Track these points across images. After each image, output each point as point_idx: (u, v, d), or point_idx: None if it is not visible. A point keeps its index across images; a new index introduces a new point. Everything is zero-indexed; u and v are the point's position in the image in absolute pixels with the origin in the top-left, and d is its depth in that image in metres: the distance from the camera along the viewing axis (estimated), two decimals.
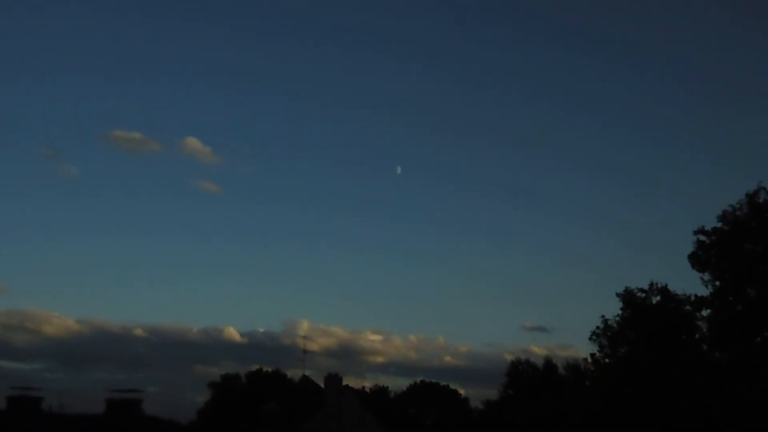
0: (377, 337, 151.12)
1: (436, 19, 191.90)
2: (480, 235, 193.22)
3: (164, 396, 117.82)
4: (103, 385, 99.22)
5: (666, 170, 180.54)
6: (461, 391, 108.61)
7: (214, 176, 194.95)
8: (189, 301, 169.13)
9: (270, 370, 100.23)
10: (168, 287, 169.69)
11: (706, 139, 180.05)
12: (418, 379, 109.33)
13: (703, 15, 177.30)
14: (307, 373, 75.59)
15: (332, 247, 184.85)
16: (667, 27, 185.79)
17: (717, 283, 47.00)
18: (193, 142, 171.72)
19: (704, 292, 48.20)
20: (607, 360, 54.65)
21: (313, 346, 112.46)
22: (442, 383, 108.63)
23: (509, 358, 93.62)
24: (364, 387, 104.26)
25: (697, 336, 50.69)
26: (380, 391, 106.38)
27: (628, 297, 53.52)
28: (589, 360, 56.75)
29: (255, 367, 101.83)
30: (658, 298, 52.79)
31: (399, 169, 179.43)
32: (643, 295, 53.17)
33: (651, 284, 53.15)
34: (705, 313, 49.18)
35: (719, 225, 46.94)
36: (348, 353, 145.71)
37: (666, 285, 52.83)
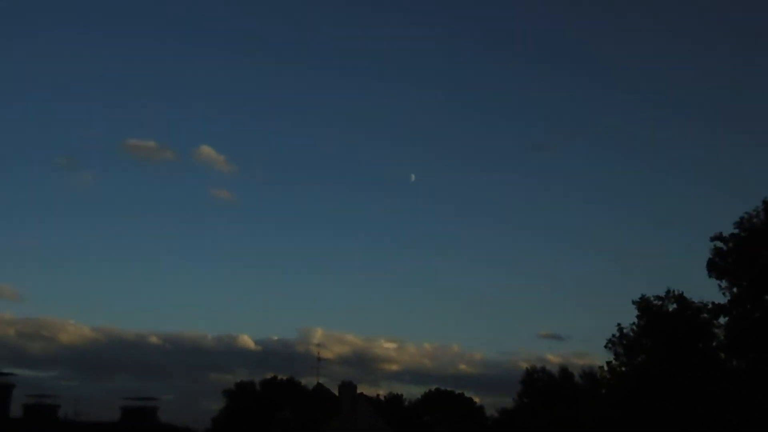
0: (391, 345, 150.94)
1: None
2: (494, 242, 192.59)
3: (179, 404, 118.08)
4: (119, 392, 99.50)
5: (682, 176, 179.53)
6: (476, 399, 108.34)
7: (228, 184, 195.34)
8: (203, 309, 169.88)
9: (284, 377, 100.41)
10: (183, 295, 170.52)
11: (723, 146, 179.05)
12: (433, 387, 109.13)
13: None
14: (321, 380, 75.53)
15: (345, 255, 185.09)
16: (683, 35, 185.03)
17: (734, 290, 46.63)
18: (207, 151, 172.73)
19: (722, 299, 47.91)
20: (623, 368, 54.23)
21: (327, 354, 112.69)
22: (457, 391, 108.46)
23: (524, 366, 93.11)
24: (378, 395, 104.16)
25: (714, 344, 50.25)
26: (394, 399, 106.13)
27: (644, 305, 53.13)
28: (605, 368, 56.37)
29: (269, 375, 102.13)
30: (675, 305, 52.39)
31: (413, 177, 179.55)
32: (660, 302, 52.80)
33: (668, 291, 52.80)
34: (722, 320, 48.83)
35: (736, 231, 46.60)
36: (362, 361, 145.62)
37: (682, 292, 52.49)
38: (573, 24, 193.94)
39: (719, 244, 47.12)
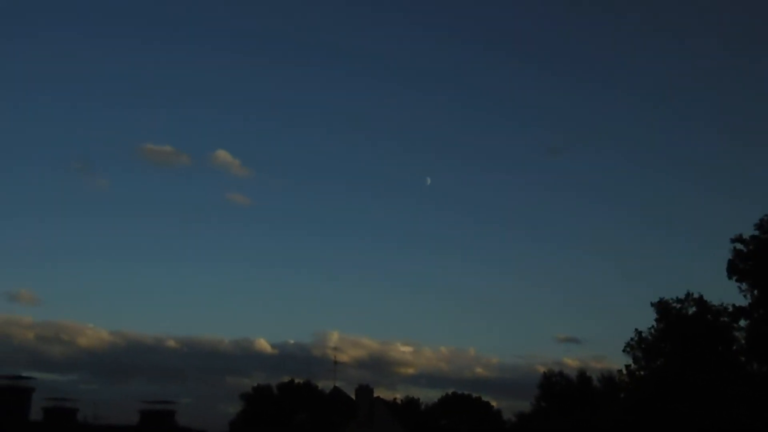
0: (408, 349, 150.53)
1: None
2: (510, 245, 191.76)
3: (197, 407, 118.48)
4: (137, 396, 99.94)
5: (701, 178, 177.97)
6: (493, 403, 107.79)
7: (243, 188, 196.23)
8: (220, 313, 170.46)
9: (301, 381, 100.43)
10: (200, 299, 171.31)
11: (743, 146, 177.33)
12: (450, 391, 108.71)
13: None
14: (338, 384, 75.41)
15: (360, 259, 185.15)
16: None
17: (755, 292, 46.10)
18: (222, 155, 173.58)
19: (742, 301, 47.35)
20: (642, 372, 53.72)
21: (343, 358, 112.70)
22: (474, 395, 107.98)
23: (541, 369, 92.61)
24: (395, 399, 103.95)
25: (734, 347, 49.65)
26: (411, 403, 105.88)
27: (663, 308, 52.62)
28: (624, 372, 55.86)
29: (286, 379, 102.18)
30: (694, 308, 51.83)
31: (429, 180, 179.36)
32: (679, 305, 52.26)
33: (687, 294, 52.22)
34: (743, 323, 48.26)
35: (757, 233, 46.07)
36: (378, 365, 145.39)
37: (702, 295, 51.92)
38: (585, 29, 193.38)
39: (739, 245, 46.63)
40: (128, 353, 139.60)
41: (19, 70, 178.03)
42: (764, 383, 44.02)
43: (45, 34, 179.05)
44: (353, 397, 68.84)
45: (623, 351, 54.31)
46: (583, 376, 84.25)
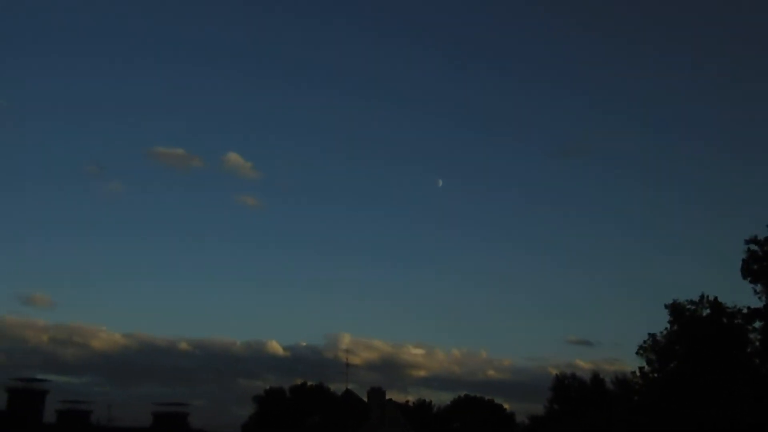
0: (419, 351, 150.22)
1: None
2: (523, 247, 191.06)
3: (209, 409, 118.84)
4: (150, 398, 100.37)
5: (716, 178, 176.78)
6: (506, 406, 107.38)
7: (255, 191, 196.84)
8: (232, 315, 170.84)
9: (314, 384, 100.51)
10: (211, 301, 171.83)
11: (757, 147, 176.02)
12: (462, 393, 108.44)
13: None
14: (350, 386, 75.39)
15: (373, 261, 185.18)
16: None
17: None
18: (234, 158, 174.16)
19: (757, 303, 46.94)
20: (655, 374, 53.39)
21: (355, 360, 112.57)
22: (487, 397, 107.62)
23: (553, 372, 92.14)
24: (407, 401, 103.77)
25: (748, 349, 49.23)
26: (423, 405, 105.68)
27: (676, 310, 52.27)
28: (637, 374, 55.55)
29: (299, 381, 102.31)
30: (708, 310, 51.44)
31: (440, 182, 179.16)
32: (693, 307, 51.90)
33: (701, 296, 51.86)
34: (757, 324, 47.83)
35: None
36: (390, 367, 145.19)
37: (716, 297, 51.53)
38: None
39: (754, 247, 46.24)
40: (141, 356, 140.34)
41: (32, 80, 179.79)
42: None
43: (59, 48, 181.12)
44: (365, 399, 68.79)
45: (636, 353, 54.11)
46: (596, 378, 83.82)
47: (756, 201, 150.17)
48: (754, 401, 44.09)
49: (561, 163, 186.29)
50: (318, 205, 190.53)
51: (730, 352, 48.86)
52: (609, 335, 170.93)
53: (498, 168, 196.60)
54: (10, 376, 65.03)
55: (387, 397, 69.15)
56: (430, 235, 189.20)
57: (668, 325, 52.80)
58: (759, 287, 46.06)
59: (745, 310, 48.26)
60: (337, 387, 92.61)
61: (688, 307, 51.93)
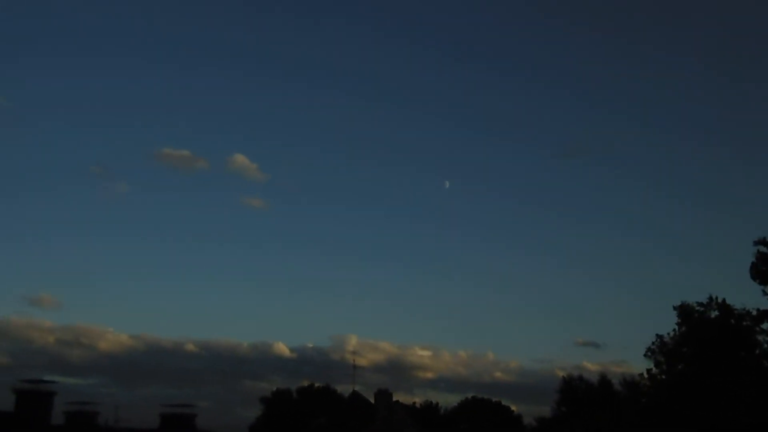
0: (426, 353, 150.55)
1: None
2: (530, 249, 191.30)
3: (216, 410, 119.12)
4: (157, 399, 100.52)
5: (723, 179, 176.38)
6: (513, 408, 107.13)
7: (261, 192, 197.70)
8: (238, 316, 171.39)
9: (320, 385, 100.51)
10: (217, 303, 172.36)
11: (764, 148, 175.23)
12: (469, 395, 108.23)
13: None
14: (356, 388, 75.39)
15: (380, 262, 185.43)
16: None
17: None
18: (240, 159, 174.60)
19: (766, 305, 46.60)
20: (663, 376, 53.07)
21: (361, 362, 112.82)
22: (494, 399, 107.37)
23: (561, 374, 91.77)
24: (414, 402, 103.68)
25: (757, 351, 48.88)
26: (430, 407, 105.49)
27: (684, 311, 51.95)
28: (645, 376, 55.22)
29: (306, 383, 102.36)
30: (717, 312, 51.09)
31: (447, 184, 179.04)
32: (701, 309, 51.55)
33: (710, 298, 51.50)
34: (765, 326, 47.49)
35: None
36: (397, 368, 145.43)
37: (725, 299, 51.18)
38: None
39: (763, 248, 45.90)
40: (148, 357, 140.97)
41: (39, 83, 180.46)
42: None
43: (65, 50, 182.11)
44: (372, 401, 68.79)
45: (644, 355, 53.72)
46: (604, 380, 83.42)
47: (764, 202, 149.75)
48: (763, 403, 43.77)
49: (566, 163, 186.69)
50: (324, 206, 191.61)
51: (738, 354, 48.54)
52: (616, 337, 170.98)
53: (503, 169, 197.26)
54: (16, 377, 65.36)
55: (394, 398, 69.18)
56: (437, 237, 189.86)
57: (676, 327, 52.45)
58: None
59: (754, 312, 47.91)
60: (343, 388, 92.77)
61: (697, 308, 51.57)
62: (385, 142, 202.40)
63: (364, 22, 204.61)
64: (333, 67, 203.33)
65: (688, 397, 47.69)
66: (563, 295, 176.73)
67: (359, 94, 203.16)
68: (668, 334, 52.57)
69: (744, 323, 49.03)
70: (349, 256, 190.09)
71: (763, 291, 46.05)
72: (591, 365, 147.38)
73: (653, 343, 53.13)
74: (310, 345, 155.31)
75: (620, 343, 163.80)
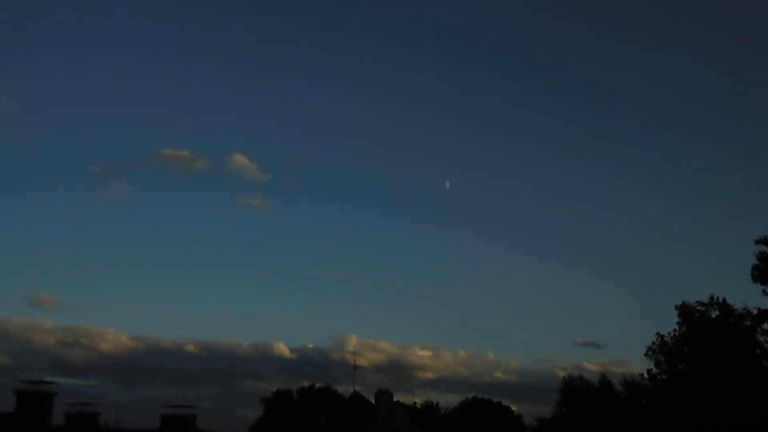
0: (426, 353, 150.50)
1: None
2: (530, 249, 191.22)
3: (216, 411, 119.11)
4: (158, 400, 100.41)
5: (724, 179, 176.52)
6: (513, 408, 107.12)
7: (260, 192, 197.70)
8: (238, 317, 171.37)
9: (321, 386, 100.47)
10: (218, 303, 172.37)
11: (764, 148, 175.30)
12: (469, 395, 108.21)
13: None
14: (356, 388, 75.40)
15: (380, 262, 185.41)
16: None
17: None
18: (239, 159, 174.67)
19: (767, 304, 46.63)
20: (663, 376, 53.07)
21: (362, 362, 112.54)
22: (494, 399, 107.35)
23: (561, 374, 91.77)
24: (414, 403, 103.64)
25: (757, 351, 48.90)
26: (430, 407, 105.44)
27: (685, 311, 51.96)
28: (646, 376, 55.22)
29: (306, 383, 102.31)
30: (717, 312, 51.11)
31: (447, 184, 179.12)
32: (702, 309, 51.56)
33: (711, 298, 51.52)
34: (766, 326, 47.51)
35: None
36: (397, 369, 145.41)
37: (725, 299, 51.21)
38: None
39: (764, 248, 45.89)
40: (148, 358, 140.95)
41: (40, 77, 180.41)
42: None
43: (69, 54, 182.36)
44: (372, 401, 68.80)
45: (645, 355, 53.72)
46: (604, 380, 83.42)
47: (765, 202, 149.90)
48: (763, 403, 43.78)
49: (567, 164, 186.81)
50: (324, 206, 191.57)
51: (739, 354, 48.55)
52: (617, 337, 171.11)
53: (504, 169, 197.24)
54: (17, 378, 65.27)
55: (394, 399, 69.19)
56: (437, 237, 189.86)
57: (677, 327, 52.47)
58: None
59: (754, 312, 47.93)
60: (344, 389, 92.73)
61: (698, 308, 51.59)
62: (385, 141, 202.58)
63: (363, 21, 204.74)
64: (332, 66, 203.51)
65: (689, 397, 47.68)
66: (563, 295, 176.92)
67: (359, 94, 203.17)
68: (669, 333, 52.61)
69: (745, 323, 49.04)
70: (349, 256, 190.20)
71: (764, 291, 46.05)
72: (591, 365, 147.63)
73: (654, 342, 53.16)
74: (311, 345, 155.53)
75: (620, 344, 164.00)
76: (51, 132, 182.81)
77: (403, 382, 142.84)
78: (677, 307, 52.28)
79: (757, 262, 45.96)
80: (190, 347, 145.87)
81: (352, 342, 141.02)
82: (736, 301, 50.60)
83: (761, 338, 48.49)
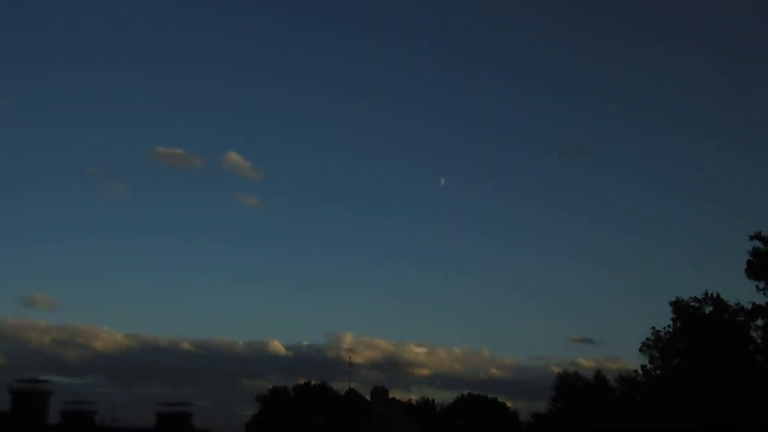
0: (422, 350, 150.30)
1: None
2: (526, 246, 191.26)
3: (212, 409, 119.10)
4: (153, 398, 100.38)
5: (717, 177, 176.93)
6: (509, 404, 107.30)
7: (255, 190, 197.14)
8: (234, 315, 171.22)
9: (317, 383, 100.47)
10: (213, 301, 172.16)
11: (760, 146, 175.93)
12: (465, 392, 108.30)
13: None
14: (353, 386, 75.44)
15: (375, 260, 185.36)
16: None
17: None
18: (233, 157, 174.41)
19: (761, 299, 46.83)
20: (658, 372, 53.29)
21: (357, 359, 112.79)
22: (490, 396, 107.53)
23: (556, 370, 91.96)
24: (410, 399, 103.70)
25: (751, 347, 49.11)
26: (426, 404, 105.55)
27: (679, 307, 52.16)
28: (640, 371, 55.44)
29: (302, 381, 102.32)
30: (711, 308, 51.32)
31: (443, 181, 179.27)
32: (696, 304, 51.77)
33: (705, 293, 51.72)
34: (760, 322, 47.72)
35: None
36: (393, 366, 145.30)
37: (719, 294, 51.42)
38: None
39: (758, 244, 46.05)
40: (144, 356, 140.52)
41: (35, 77, 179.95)
42: None
43: (68, 55, 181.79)
44: (368, 398, 68.81)
45: (639, 350, 53.94)
46: (599, 376, 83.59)
47: (759, 199, 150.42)
48: (757, 398, 44.00)
49: (562, 162, 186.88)
50: (319, 204, 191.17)
51: (732, 350, 48.76)
52: (612, 333, 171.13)
53: (499, 168, 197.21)
54: (12, 377, 65.22)
55: (390, 395, 69.21)
56: (432, 235, 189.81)
57: (671, 323, 52.68)
58: (762, 284, 45.87)
59: (748, 307, 48.12)
60: (340, 386, 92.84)
61: (692, 304, 51.81)
62: (383, 140, 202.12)
63: (361, 20, 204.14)
64: (329, 65, 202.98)
65: (683, 392, 47.89)
66: (558, 292, 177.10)
67: (357, 94, 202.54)
68: (664, 328, 52.81)
69: (738, 319, 49.25)
70: (345, 254, 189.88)
71: (758, 286, 46.23)
72: (586, 361, 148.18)
73: (648, 338, 53.37)
74: (306, 343, 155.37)
75: (615, 340, 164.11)
76: (47, 133, 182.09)
77: (398, 379, 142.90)
78: (671, 303, 52.49)
79: (751, 258, 46.08)
80: (186, 345, 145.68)
81: (348, 339, 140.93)
82: (730, 297, 50.97)
83: (755, 334, 48.70)
